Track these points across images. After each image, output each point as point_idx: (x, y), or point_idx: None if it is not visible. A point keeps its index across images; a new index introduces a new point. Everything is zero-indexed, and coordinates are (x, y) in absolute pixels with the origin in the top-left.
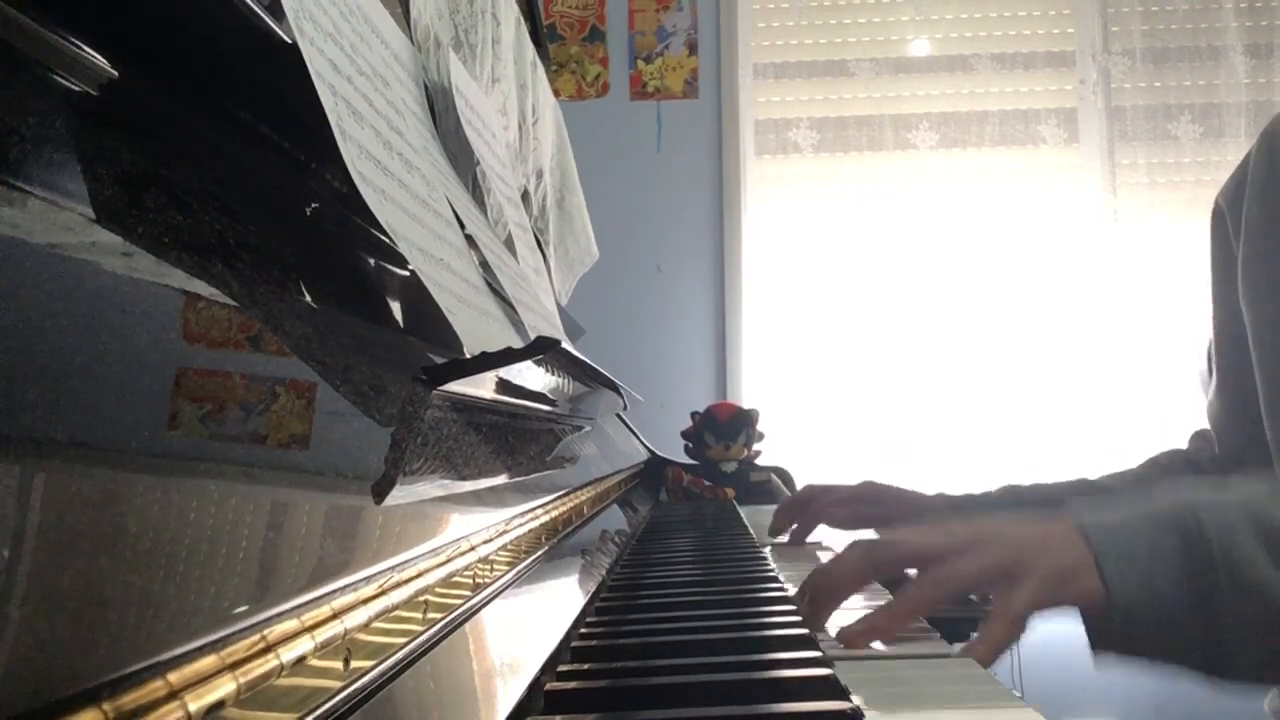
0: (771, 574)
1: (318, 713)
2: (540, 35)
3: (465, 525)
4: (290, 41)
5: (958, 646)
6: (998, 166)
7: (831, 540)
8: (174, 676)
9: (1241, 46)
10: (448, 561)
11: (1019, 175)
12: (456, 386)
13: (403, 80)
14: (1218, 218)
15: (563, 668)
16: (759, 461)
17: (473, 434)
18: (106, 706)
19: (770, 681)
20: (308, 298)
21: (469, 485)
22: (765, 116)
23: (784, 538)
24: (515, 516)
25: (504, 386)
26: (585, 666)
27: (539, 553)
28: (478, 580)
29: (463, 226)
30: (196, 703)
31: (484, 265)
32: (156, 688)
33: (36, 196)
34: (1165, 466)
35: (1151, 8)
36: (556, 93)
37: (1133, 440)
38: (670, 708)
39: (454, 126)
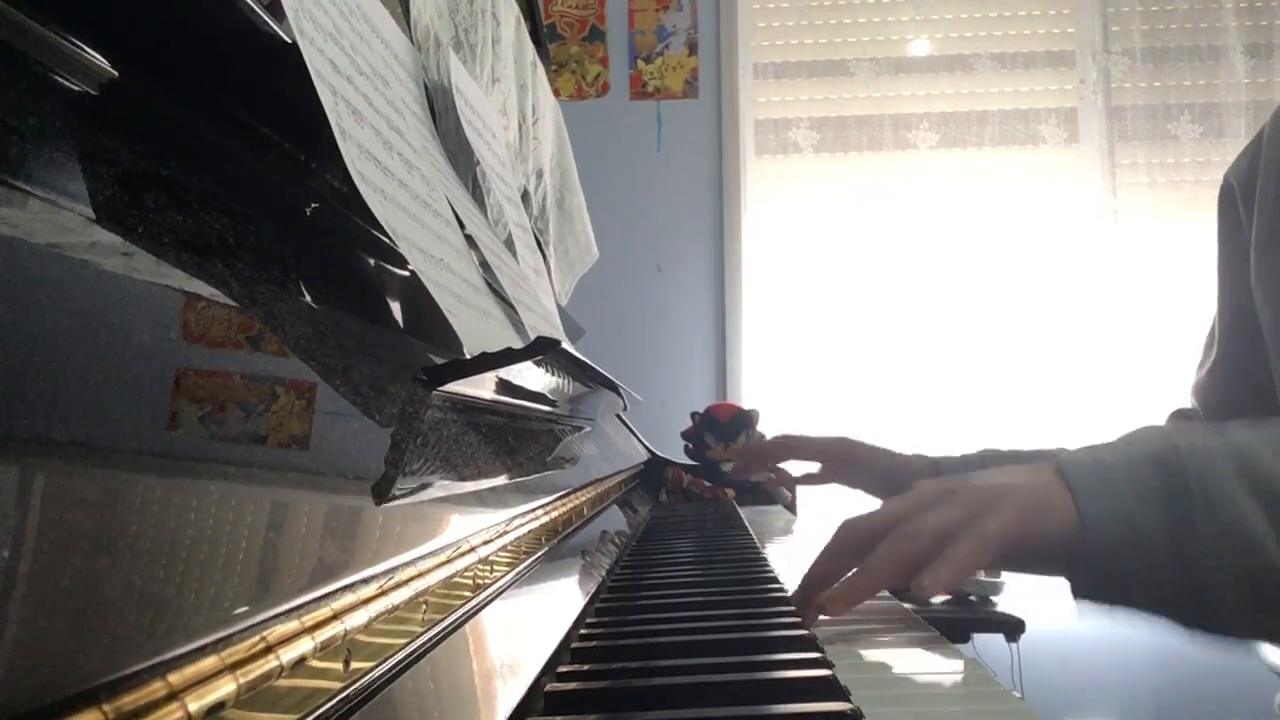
0: (771, 574)
1: (318, 713)
2: (540, 35)
3: (465, 526)
4: (290, 41)
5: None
6: (998, 166)
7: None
8: (174, 677)
9: (1241, 46)
10: (448, 562)
11: (1019, 175)
12: (456, 387)
13: (403, 80)
14: (1226, 193)
15: (563, 669)
16: None
17: (473, 434)
18: (106, 707)
19: (771, 682)
20: (308, 298)
21: (469, 486)
22: (765, 116)
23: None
24: (515, 517)
25: (504, 387)
26: (585, 667)
27: (539, 553)
28: (478, 581)
29: (463, 226)
30: (196, 703)
31: (484, 265)
32: (156, 688)
33: (36, 196)
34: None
35: (1151, 7)
36: (556, 93)
37: None
38: (670, 709)
39: (454, 126)
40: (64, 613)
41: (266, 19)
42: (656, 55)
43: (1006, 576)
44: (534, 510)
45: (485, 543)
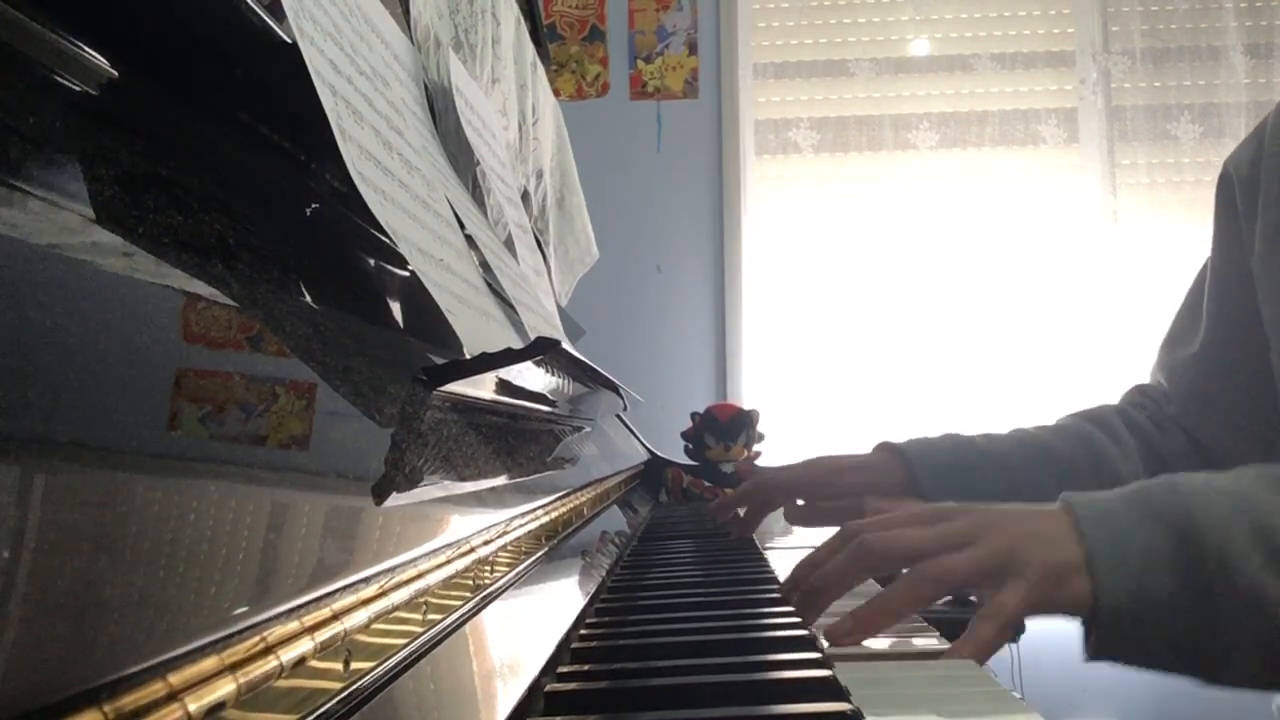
0: (771, 575)
1: (318, 714)
2: (540, 35)
3: (465, 526)
4: (290, 41)
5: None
6: (998, 166)
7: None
8: (174, 677)
9: (1241, 46)
10: (448, 563)
11: (1019, 175)
12: (456, 387)
13: (403, 80)
14: (1225, 181)
15: (563, 669)
16: (759, 462)
17: (473, 435)
18: (106, 707)
19: (770, 683)
20: (308, 298)
21: (469, 486)
22: (765, 116)
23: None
24: (515, 517)
25: (504, 387)
26: (585, 668)
27: (539, 554)
28: (478, 581)
29: (463, 226)
30: (196, 704)
31: (484, 265)
32: (156, 689)
33: (36, 196)
34: (1097, 419)
35: (1151, 8)
36: (556, 93)
37: None
38: (670, 709)
39: (454, 126)
40: (64, 613)
41: (266, 19)
42: (656, 55)
43: None
44: (534, 510)
45: (485, 543)
